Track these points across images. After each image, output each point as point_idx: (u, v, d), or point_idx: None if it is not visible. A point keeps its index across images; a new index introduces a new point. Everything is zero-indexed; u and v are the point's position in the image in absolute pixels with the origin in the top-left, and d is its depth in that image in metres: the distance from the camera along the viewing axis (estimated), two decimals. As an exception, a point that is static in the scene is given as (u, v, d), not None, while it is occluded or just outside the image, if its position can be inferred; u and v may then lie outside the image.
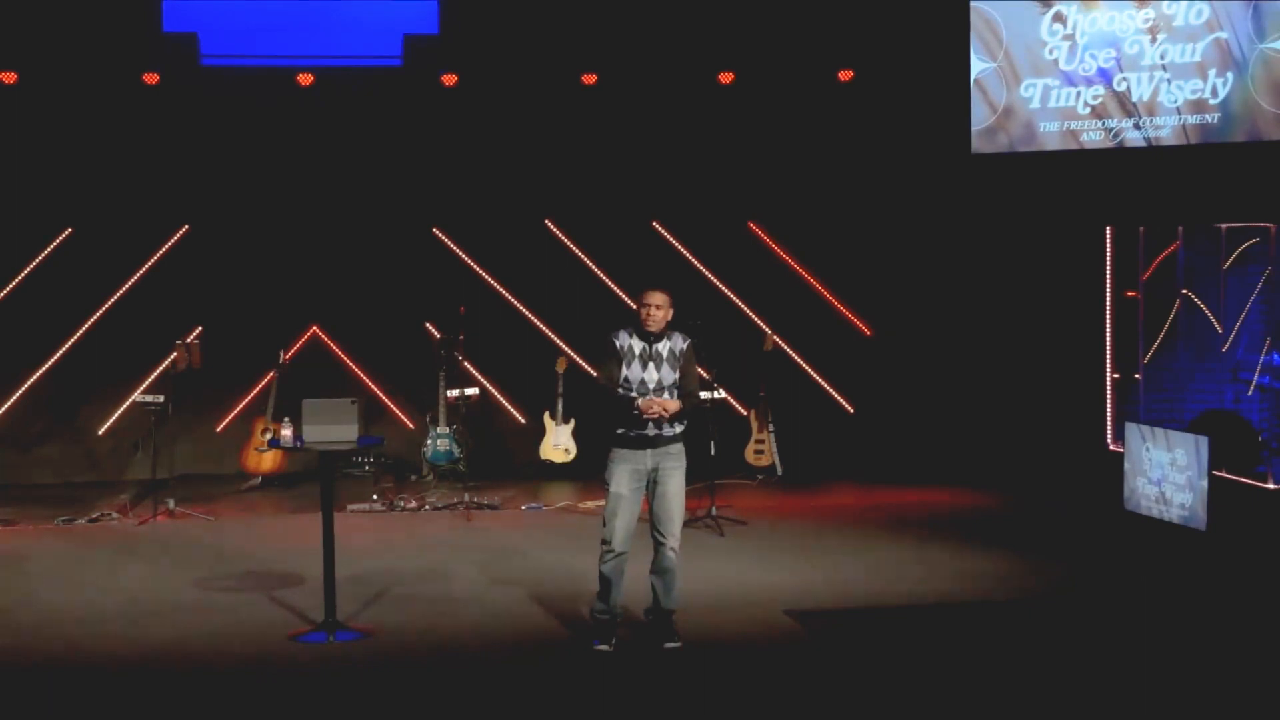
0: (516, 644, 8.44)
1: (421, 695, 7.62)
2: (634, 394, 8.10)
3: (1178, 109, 12.15)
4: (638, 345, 8.16)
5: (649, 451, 8.13)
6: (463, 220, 14.42)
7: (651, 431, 8.11)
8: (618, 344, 8.17)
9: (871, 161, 14.28)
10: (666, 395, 8.13)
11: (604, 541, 8.18)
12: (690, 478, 8.37)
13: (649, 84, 14.10)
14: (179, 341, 12.57)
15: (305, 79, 13.72)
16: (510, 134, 14.19)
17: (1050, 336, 13.46)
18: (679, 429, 8.22)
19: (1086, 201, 13.10)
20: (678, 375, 8.17)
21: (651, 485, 8.19)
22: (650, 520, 8.24)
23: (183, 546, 10.96)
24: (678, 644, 8.23)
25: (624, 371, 8.13)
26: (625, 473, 8.14)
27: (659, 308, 8.10)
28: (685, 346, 8.22)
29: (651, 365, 8.13)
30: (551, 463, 13.68)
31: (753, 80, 14.23)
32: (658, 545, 8.21)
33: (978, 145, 13.13)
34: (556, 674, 7.94)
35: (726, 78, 14.17)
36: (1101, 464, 12.70)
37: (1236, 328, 12.27)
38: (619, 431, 8.16)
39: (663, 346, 8.17)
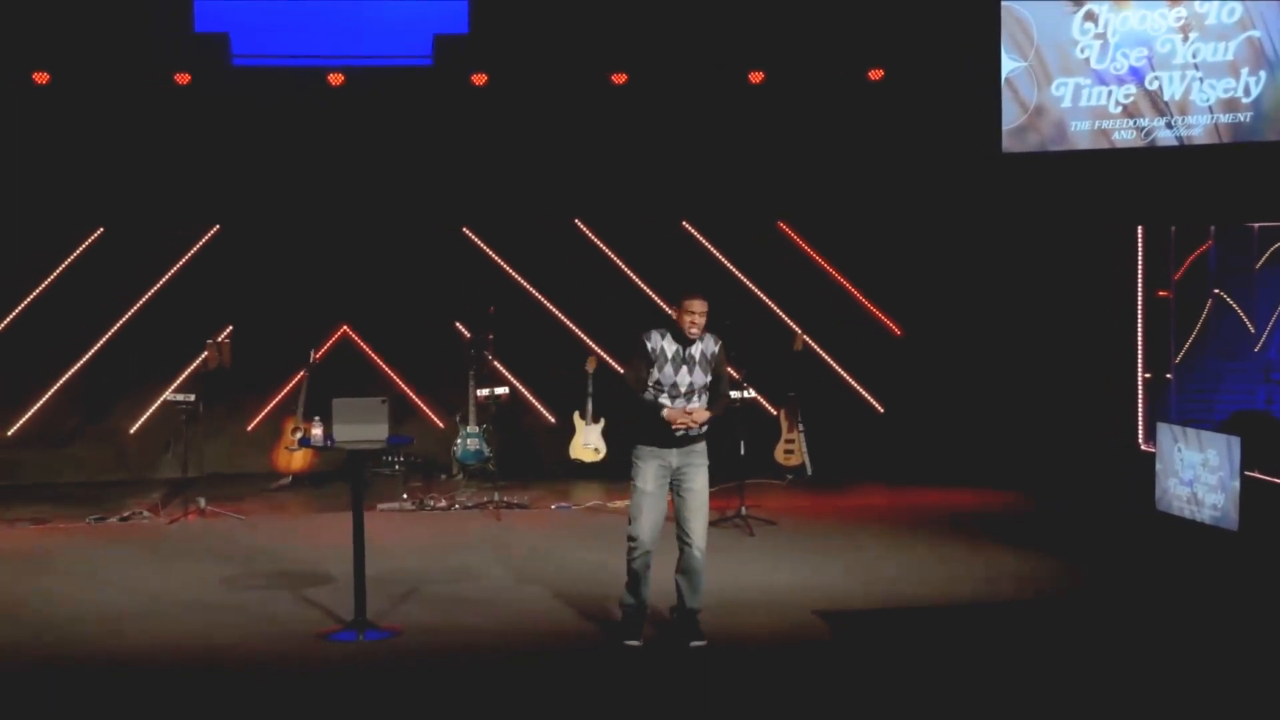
0: (545, 643, 8.44)
1: (451, 694, 7.63)
2: (665, 396, 8.07)
3: (1210, 108, 12.08)
4: (670, 348, 8.09)
5: (674, 450, 8.10)
6: (492, 220, 14.45)
7: (679, 430, 8.09)
8: (649, 345, 8.09)
9: (902, 161, 14.24)
10: (697, 398, 8.10)
11: (630, 538, 8.15)
12: (720, 477, 8.35)
13: (679, 83, 14.08)
14: (210, 340, 12.61)
15: (336, 79, 13.76)
16: (540, 133, 14.20)
17: (1082, 336, 13.39)
18: (704, 427, 8.20)
19: (1118, 201, 13.03)
20: (709, 378, 8.12)
21: (676, 484, 8.16)
22: (675, 520, 8.21)
23: (213, 545, 11.00)
24: (703, 642, 8.21)
25: (655, 374, 8.07)
26: (651, 469, 8.10)
27: (702, 315, 8.02)
28: (717, 349, 8.16)
29: (684, 368, 8.07)
30: (581, 462, 13.68)
31: (783, 79, 14.21)
32: (683, 546, 8.17)
33: (1008, 145, 13.07)
34: (585, 673, 7.93)
35: (756, 77, 14.15)
36: (1133, 464, 12.64)
37: (1269, 328, 12.20)
38: (645, 428, 8.14)
39: (695, 349, 8.10)
